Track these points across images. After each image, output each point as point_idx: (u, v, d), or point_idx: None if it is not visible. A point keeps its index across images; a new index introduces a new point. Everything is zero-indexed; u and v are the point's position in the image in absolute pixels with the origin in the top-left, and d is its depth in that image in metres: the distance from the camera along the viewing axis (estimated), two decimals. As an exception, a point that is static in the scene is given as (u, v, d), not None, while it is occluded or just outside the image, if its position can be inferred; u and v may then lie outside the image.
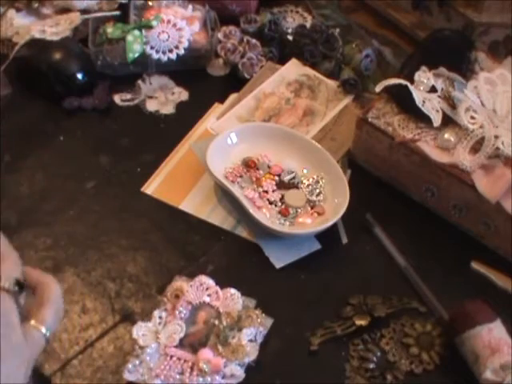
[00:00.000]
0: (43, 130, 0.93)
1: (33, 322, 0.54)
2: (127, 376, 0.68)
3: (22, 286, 0.53)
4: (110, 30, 0.97)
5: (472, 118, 0.81)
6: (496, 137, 0.79)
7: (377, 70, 0.99)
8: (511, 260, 0.80)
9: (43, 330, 0.54)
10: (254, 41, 1.00)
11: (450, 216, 0.83)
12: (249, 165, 0.86)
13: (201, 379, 0.68)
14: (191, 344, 0.71)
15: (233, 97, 0.97)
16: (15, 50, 0.95)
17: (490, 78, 0.84)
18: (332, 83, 0.98)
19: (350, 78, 0.96)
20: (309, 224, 0.82)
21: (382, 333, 0.74)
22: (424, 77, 0.84)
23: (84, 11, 1.00)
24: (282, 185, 0.85)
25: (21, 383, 0.51)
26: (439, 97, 0.83)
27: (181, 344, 0.71)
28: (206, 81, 1.00)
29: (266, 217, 0.82)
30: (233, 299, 0.73)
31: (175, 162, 0.89)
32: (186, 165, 0.89)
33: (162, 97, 0.97)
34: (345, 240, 0.82)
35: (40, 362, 0.69)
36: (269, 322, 0.73)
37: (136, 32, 0.96)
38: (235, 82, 0.99)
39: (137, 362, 0.69)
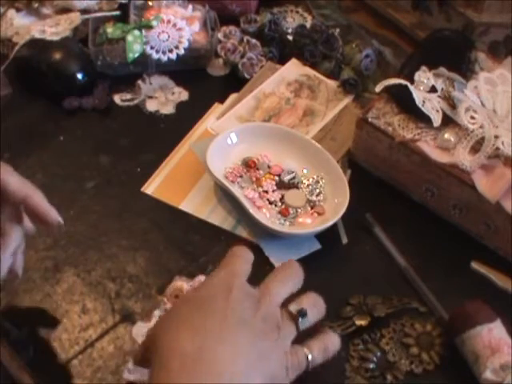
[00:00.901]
0: (43, 129, 0.93)
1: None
2: (127, 376, 0.68)
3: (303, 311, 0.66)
4: (110, 29, 0.97)
5: (472, 117, 0.81)
6: (496, 137, 0.79)
7: (377, 70, 0.99)
8: (511, 260, 0.80)
9: (309, 355, 0.64)
10: (254, 41, 1.00)
11: (450, 216, 0.83)
12: (249, 165, 0.86)
13: None
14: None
15: (233, 97, 0.97)
16: (15, 50, 0.95)
17: (490, 78, 0.84)
18: (332, 83, 0.98)
19: (350, 77, 0.96)
20: (309, 224, 0.82)
21: (382, 333, 0.74)
22: (424, 77, 0.84)
23: (84, 11, 1.00)
24: (281, 185, 0.85)
25: None
26: (439, 97, 0.83)
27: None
28: (206, 81, 1.00)
29: (266, 217, 0.82)
30: None
31: (175, 162, 0.89)
32: (186, 165, 0.89)
33: (162, 97, 0.97)
34: (345, 240, 0.82)
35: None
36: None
37: (136, 32, 0.96)
38: (235, 82, 0.99)
39: None
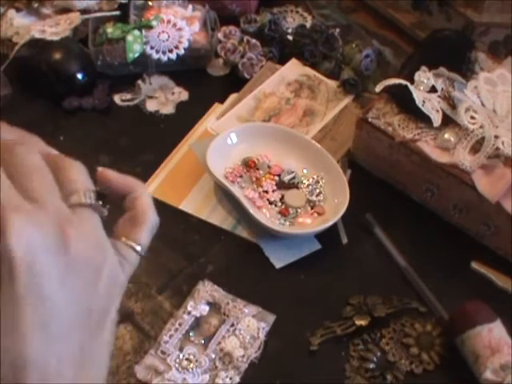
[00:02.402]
0: (43, 130, 0.92)
1: (123, 239, 0.44)
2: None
3: (104, 197, 0.43)
4: (110, 29, 0.97)
5: (472, 117, 0.80)
6: (496, 137, 0.79)
7: (377, 70, 0.99)
8: (511, 260, 0.80)
9: (138, 248, 0.44)
10: (253, 41, 1.00)
11: (450, 216, 0.83)
12: (249, 165, 0.86)
13: None
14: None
15: (233, 97, 0.97)
16: (15, 49, 0.95)
17: (490, 78, 0.84)
18: (332, 83, 0.98)
19: (350, 77, 0.96)
20: (309, 224, 0.82)
21: (382, 333, 0.74)
22: (424, 77, 0.84)
23: (84, 11, 1.00)
24: (281, 185, 0.85)
25: (113, 319, 0.40)
26: (439, 97, 0.83)
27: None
28: (206, 81, 1.00)
29: (266, 217, 0.82)
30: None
31: (175, 162, 0.89)
32: (186, 165, 0.89)
33: (162, 97, 0.97)
34: (345, 240, 0.82)
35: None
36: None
37: (136, 32, 0.96)
38: (235, 81, 0.99)
39: None
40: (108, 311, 0.38)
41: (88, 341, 0.37)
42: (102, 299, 0.38)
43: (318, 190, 0.85)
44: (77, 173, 0.42)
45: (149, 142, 0.92)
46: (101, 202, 0.42)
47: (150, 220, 0.46)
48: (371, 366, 0.71)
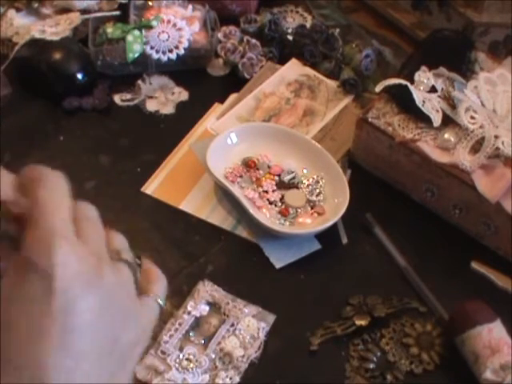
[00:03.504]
0: (43, 130, 0.93)
1: (151, 294, 0.47)
2: None
3: (140, 261, 0.49)
4: (110, 30, 0.97)
5: (472, 117, 0.81)
6: (496, 137, 0.79)
7: (377, 70, 0.99)
8: (511, 260, 0.80)
9: (159, 300, 0.48)
10: (253, 41, 1.00)
11: (450, 216, 0.83)
12: (249, 165, 0.86)
13: None
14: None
15: (233, 97, 0.97)
16: (15, 49, 0.95)
17: (490, 78, 0.84)
18: (332, 83, 0.98)
19: (350, 78, 0.96)
20: (309, 224, 0.82)
21: (382, 333, 0.74)
22: (424, 77, 0.84)
23: (84, 11, 1.00)
24: (281, 185, 0.85)
25: (139, 353, 0.44)
26: (439, 97, 0.83)
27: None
28: (206, 81, 1.00)
29: (266, 217, 0.82)
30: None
31: (175, 162, 0.89)
32: (186, 165, 0.89)
33: (162, 97, 0.97)
34: (345, 240, 0.82)
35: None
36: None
37: (136, 32, 0.96)
38: (235, 81, 0.99)
39: None
40: (136, 344, 0.42)
41: (116, 369, 0.39)
42: (130, 335, 0.41)
43: (317, 190, 0.85)
44: (121, 237, 0.48)
45: (149, 142, 0.92)
46: (139, 262, 0.48)
47: (163, 276, 0.50)
48: (371, 365, 0.71)
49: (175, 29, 0.96)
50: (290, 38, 1.02)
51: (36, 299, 0.36)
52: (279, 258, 0.80)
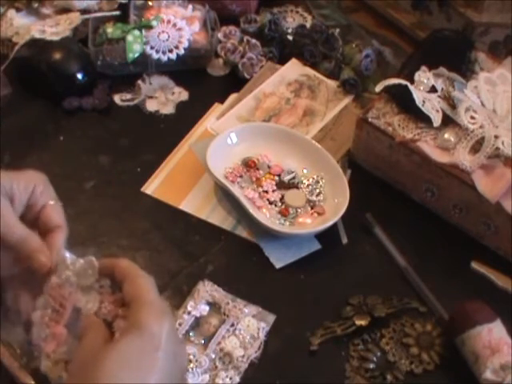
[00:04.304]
0: (43, 130, 0.93)
1: None
2: None
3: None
4: (110, 30, 0.97)
5: (472, 117, 0.81)
6: (496, 137, 0.79)
7: (377, 70, 0.99)
8: (511, 260, 0.80)
9: None
10: (253, 41, 1.00)
11: (450, 216, 0.83)
12: (249, 165, 0.86)
13: None
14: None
15: (233, 97, 0.97)
16: (15, 49, 0.95)
17: (490, 78, 0.84)
18: (332, 83, 0.98)
19: (350, 78, 0.96)
20: (309, 224, 0.82)
21: (382, 333, 0.74)
22: (424, 77, 0.84)
23: (84, 11, 1.00)
24: (282, 185, 0.85)
25: None
26: (439, 97, 0.83)
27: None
28: (206, 81, 1.00)
29: (266, 217, 0.82)
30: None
31: (175, 162, 0.89)
32: (186, 165, 0.89)
33: (162, 97, 0.97)
34: (345, 240, 0.82)
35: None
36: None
37: (136, 32, 0.96)
38: (235, 81, 0.99)
39: None
40: None
41: None
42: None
43: (317, 190, 0.85)
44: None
45: (149, 142, 0.92)
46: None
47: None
48: (371, 365, 0.71)
49: (175, 29, 0.96)
50: (290, 37, 1.02)
51: (147, 351, 0.51)
52: (279, 258, 0.80)
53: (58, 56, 0.94)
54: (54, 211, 0.63)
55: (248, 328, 0.73)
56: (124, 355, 0.51)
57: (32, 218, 0.62)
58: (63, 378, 0.56)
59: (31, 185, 0.61)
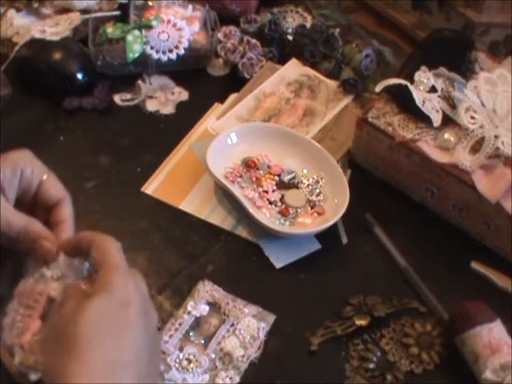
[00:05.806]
0: (43, 130, 0.93)
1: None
2: None
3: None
4: (110, 29, 0.97)
5: (472, 118, 0.81)
6: (496, 137, 0.79)
7: (377, 70, 0.99)
8: (511, 260, 0.80)
9: None
10: (254, 41, 1.00)
11: (450, 216, 0.83)
12: (249, 165, 0.86)
13: None
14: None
15: (233, 97, 0.97)
16: (15, 49, 0.95)
17: (490, 78, 0.84)
18: (332, 83, 0.98)
19: (350, 78, 0.96)
20: (309, 224, 0.82)
21: (382, 333, 0.74)
22: (424, 77, 0.84)
23: (84, 11, 1.01)
24: (282, 185, 0.85)
25: None
26: (439, 97, 0.83)
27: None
28: (206, 81, 1.00)
29: (266, 217, 0.82)
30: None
31: (175, 161, 0.89)
32: (186, 165, 0.89)
33: (162, 97, 0.97)
34: (345, 240, 0.82)
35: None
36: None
37: (136, 32, 0.96)
38: (235, 82, 0.99)
39: None
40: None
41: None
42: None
43: (317, 190, 0.85)
44: None
45: (149, 142, 0.92)
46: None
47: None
48: (371, 365, 0.71)
49: (175, 29, 0.96)
50: (290, 37, 1.02)
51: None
52: (279, 258, 0.80)
53: (58, 56, 0.94)
54: (51, 185, 0.62)
55: (248, 328, 0.73)
56: (98, 312, 0.53)
57: (31, 201, 0.61)
58: (39, 361, 0.57)
59: (18, 168, 0.60)
